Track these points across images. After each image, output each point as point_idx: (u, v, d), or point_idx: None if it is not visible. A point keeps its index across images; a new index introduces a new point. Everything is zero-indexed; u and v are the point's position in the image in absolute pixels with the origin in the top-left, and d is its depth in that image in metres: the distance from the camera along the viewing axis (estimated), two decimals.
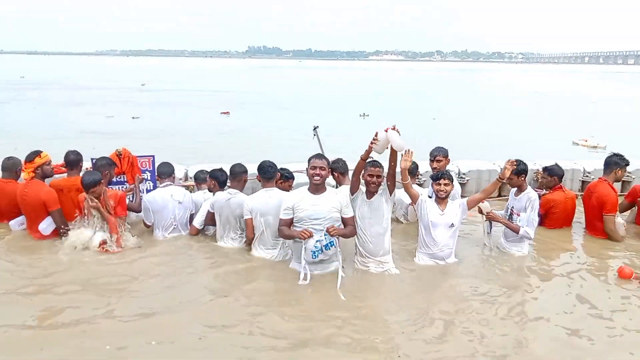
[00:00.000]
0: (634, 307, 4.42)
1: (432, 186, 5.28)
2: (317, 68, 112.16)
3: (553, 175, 6.39)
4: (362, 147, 4.79)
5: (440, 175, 5.07)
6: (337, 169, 6.13)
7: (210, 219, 5.78)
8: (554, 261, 5.46)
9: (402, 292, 4.65)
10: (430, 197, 5.39)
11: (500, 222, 5.52)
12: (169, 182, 6.01)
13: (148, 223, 5.89)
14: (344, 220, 4.97)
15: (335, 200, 4.91)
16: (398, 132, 4.64)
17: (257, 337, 3.86)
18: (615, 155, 6.34)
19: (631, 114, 25.94)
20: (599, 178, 6.42)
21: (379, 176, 4.82)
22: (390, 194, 4.88)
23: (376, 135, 4.65)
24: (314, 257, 4.67)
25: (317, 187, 4.89)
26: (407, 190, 5.05)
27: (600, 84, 59.32)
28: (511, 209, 5.65)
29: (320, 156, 4.98)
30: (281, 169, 5.80)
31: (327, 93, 37.53)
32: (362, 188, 5.01)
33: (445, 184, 5.05)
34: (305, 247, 4.70)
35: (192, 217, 5.96)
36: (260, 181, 5.59)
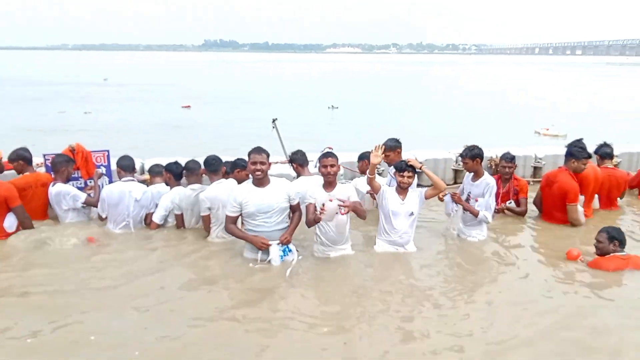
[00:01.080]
0: (579, 286, 4.62)
1: (394, 175, 5.35)
2: (277, 61, 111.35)
3: (515, 162, 6.52)
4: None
5: (404, 167, 5.14)
6: (296, 160, 6.12)
7: (180, 220, 5.79)
8: (509, 247, 5.58)
9: (359, 279, 4.71)
10: (388, 185, 5.46)
11: (462, 205, 5.63)
12: (130, 178, 5.91)
13: (102, 215, 5.79)
14: (291, 208, 5.04)
15: (282, 190, 4.93)
16: (345, 202, 4.70)
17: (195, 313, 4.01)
18: (575, 146, 6.22)
19: (590, 102, 26.63)
20: (559, 167, 6.41)
21: (332, 165, 4.87)
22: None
23: (323, 205, 4.67)
24: (281, 260, 4.85)
25: (261, 181, 4.88)
26: (371, 183, 5.13)
27: (557, 74, 61.10)
28: (468, 195, 5.76)
29: (259, 150, 4.88)
30: (238, 159, 5.87)
31: (292, 86, 37.29)
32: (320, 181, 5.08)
33: (408, 177, 5.13)
34: (271, 257, 4.83)
35: (149, 214, 5.89)
36: (206, 175, 5.74)
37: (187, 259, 5.11)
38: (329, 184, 4.97)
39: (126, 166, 5.92)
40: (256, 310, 4.11)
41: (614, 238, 4.93)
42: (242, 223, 5.06)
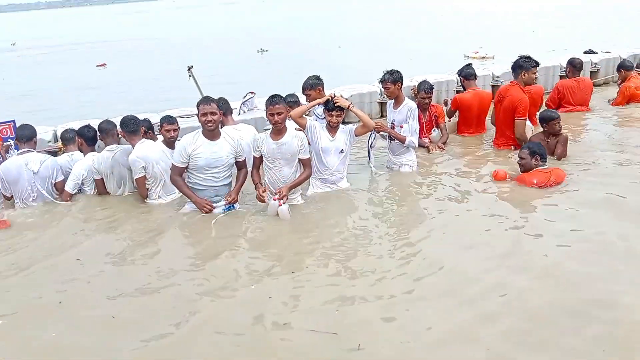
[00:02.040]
0: (509, 206, 4.77)
1: (322, 113, 5.34)
2: (192, 7, 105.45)
3: (432, 92, 6.52)
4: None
5: (333, 107, 5.09)
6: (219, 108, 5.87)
7: (102, 186, 5.43)
8: (436, 174, 5.69)
9: (291, 228, 4.62)
10: (316, 120, 5.42)
11: (388, 132, 5.63)
12: (28, 149, 5.35)
13: (6, 194, 5.32)
14: (237, 164, 4.97)
15: (230, 146, 4.86)
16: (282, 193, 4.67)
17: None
18: (521, 58, 6.00)
19: (510, 23, 27.07)
20: (510, 82, 6.18)
21: (280, 113, 4.70)
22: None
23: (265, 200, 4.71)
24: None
25: (212, 133, 4.75)
26: (298, 119, 5.11)
27: None
28: (392, 123, 5.75)
29: (207, 100, 4.75)
30: (163, 117, 5.52)
31: (213, 33, 35.35)
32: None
33: (337, 115, 5.12)
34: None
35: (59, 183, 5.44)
36: (125, 137, 5.39)
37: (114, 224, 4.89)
38: (278, 132, 4.81)
39: (22, 136, 5.36)
40: (187, 264, 4.06)
41: (535, 153, 5.12)
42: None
